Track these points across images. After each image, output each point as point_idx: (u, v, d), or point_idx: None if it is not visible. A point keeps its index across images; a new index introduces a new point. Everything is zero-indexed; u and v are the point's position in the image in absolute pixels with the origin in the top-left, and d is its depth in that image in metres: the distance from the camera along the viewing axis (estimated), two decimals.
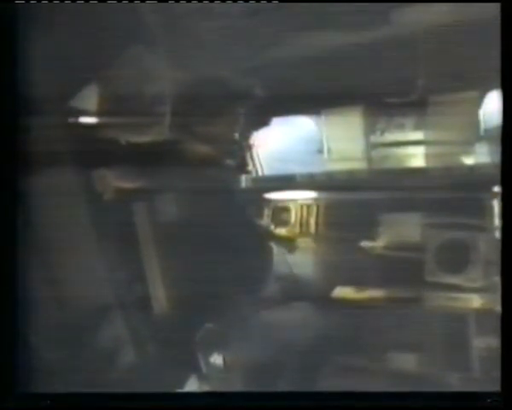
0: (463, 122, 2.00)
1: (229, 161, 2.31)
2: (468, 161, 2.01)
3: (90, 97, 1.93)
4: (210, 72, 1.99)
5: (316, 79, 1.86)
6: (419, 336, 1.98)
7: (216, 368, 2.16)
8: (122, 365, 1.96)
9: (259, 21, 1.78)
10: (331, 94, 1.98)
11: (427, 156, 2.08)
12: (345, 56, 1.85)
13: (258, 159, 2.42)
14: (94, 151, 1.91)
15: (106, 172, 1.99)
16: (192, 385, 2.08)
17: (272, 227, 2.46)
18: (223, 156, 2.29)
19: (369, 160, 2.19)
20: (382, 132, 2.18)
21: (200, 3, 1.74)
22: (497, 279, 1.60)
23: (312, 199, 2.41)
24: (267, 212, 2.47)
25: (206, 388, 2.13)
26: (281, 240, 2.46)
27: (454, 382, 1.88)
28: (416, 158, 2.11)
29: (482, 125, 1.98)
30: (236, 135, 2.38)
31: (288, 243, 2.46)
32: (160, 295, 2.12)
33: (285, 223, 2.45)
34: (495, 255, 1.53)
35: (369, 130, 2.20)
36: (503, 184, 1.43)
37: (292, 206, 2.44)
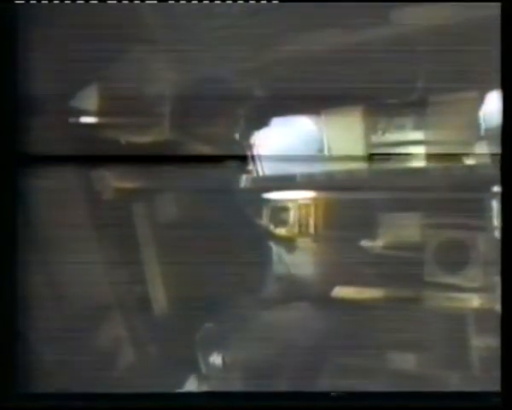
0: (463, 122, 2.00)
1: (229, 161, 2.31)
2: (468, 161, 2.01)
3: (90, 97, 1.93)
4: (210, 72, 1.99)
5: (316, 79, 1.86)
6: (419, 335, 1.98)
7: (216, 368, 2.16)
8: (122, 365, 1.96)
9: (259, 21, 1.78)
10: (331, 94, 1.98)
11: (427, 156, 2.08)
12: (345, 56, 1.85)
13: (259, 159, 2.41)
14: (94, 151, 1.91)
15: (106, 172, 1.99)
16: (192, 385, 2.08)
17: (272, 227, 2.46)
18: (223, 156, 2.29)
19: (369, 160, 2.19)
20: (382, 132, 2.18)
21: (200, 3, 1.74)
22: (496, 279, 1.60)
23: (312, 199, 2.41)
24: (267, 212, 2.46)
25: (205, 388, 2.12)
26: (281, 240, 2.46)
27: (454, 382, 1.89)
28: (416, 158, 2.11)
29: (482, 125, 1.98)
30: (236, 135, 2.38)
31: (288, 243, 2.46)
32: (159, 295, 2.12)
33: (285, 223, 2.45)
34: (495, 255, 1.53)
35: (370, 130, 2.19)
36: (503, 184, 1.43)
37: (292, 206, 2.44)
